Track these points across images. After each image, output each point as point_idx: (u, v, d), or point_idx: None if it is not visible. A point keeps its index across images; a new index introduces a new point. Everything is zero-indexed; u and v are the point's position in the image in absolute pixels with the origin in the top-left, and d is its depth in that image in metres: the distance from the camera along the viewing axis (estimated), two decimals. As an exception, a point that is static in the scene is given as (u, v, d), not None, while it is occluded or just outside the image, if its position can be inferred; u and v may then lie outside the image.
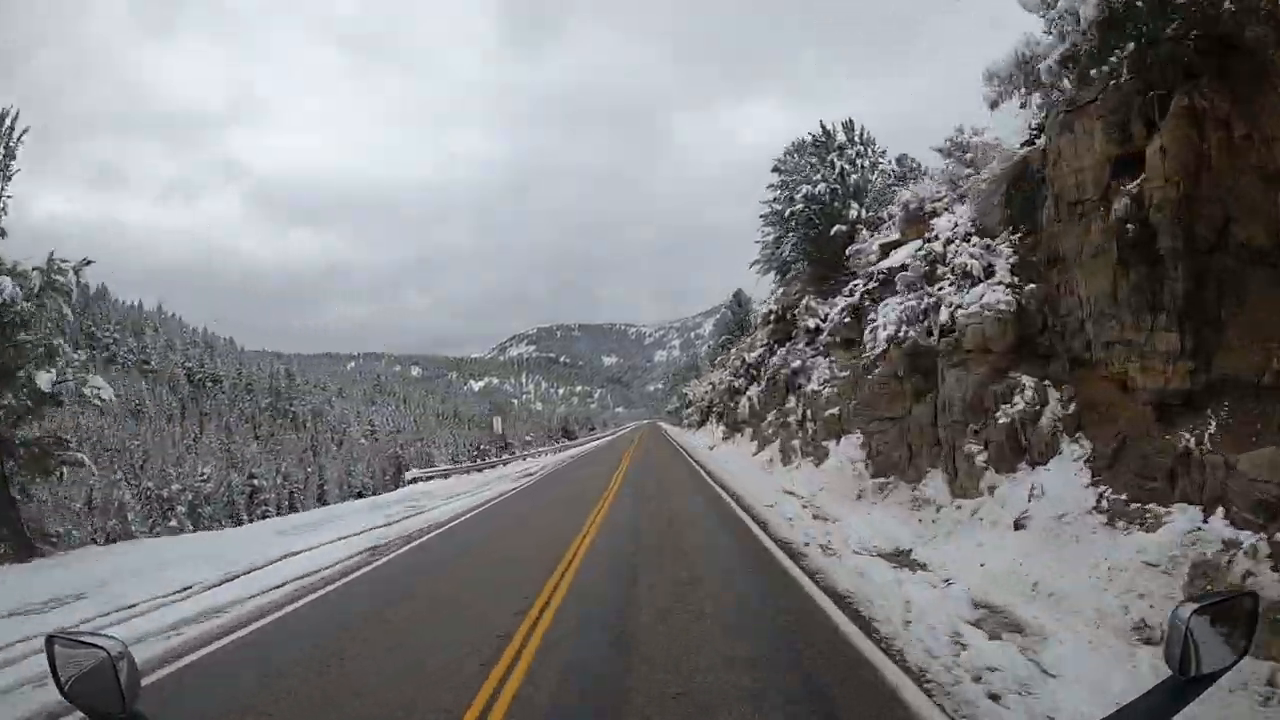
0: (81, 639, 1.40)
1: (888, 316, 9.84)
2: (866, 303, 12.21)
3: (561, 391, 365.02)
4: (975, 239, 8.98)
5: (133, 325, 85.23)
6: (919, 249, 10.06)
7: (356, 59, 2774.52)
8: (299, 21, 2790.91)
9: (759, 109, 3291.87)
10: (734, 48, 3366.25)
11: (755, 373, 27.46)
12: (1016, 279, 8.16)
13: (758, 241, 23.08)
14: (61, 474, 12.49)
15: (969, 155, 10.57)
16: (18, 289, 10.80)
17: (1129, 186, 5.94)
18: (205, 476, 33.67)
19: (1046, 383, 7.45)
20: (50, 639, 1.43)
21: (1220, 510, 4.82)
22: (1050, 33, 6.14)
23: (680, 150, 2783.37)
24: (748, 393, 27.38)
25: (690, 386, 62.55)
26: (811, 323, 18.31)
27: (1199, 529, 4.81)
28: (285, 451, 56.19)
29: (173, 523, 28.56)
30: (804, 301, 19.55)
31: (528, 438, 52.18)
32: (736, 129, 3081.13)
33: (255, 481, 35.77)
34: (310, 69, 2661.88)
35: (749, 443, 25.04)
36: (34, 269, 11.18)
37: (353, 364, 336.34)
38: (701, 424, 47.02)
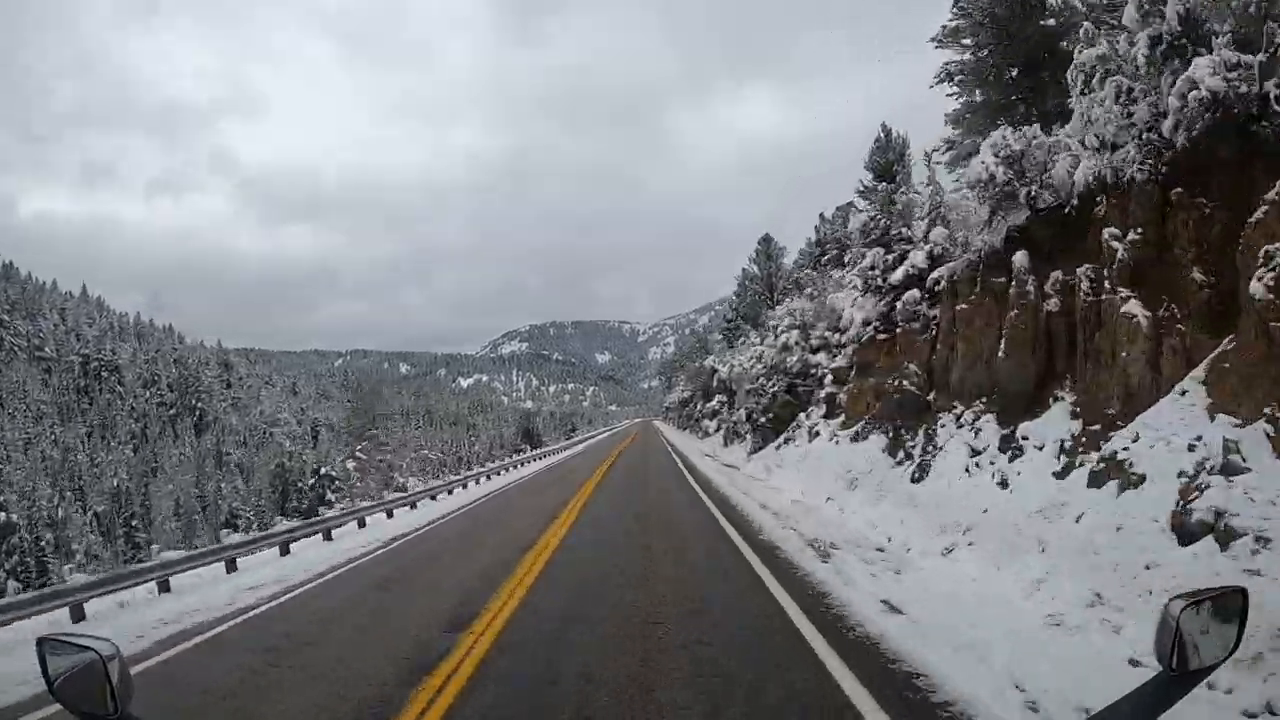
0: (73, 640, 1.33)
1: None
2: None
3: (553, 389, 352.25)
4: None
5: (27, 307, 71.77)
6: None
7: (343, 49, 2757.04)
8: (289, 14, 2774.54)
9: (755, 104, 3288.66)
10: (733, 31, 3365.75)
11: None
12: None
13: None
14: None
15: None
16: None
17: None
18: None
19: None
20: (41, 640, 1.36)
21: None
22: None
23: (677, 149, 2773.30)
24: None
25: (718, 359, 37.40)
26: None
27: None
28: (163, 460, 42.96)
29: None
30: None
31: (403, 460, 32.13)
32: (734, 125, 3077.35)
33: (7, 515, 22.68)
34: (302, 61, 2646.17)
35: None
36: None
37: (340, 361, 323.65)
38: (766, 439, 21.71)
